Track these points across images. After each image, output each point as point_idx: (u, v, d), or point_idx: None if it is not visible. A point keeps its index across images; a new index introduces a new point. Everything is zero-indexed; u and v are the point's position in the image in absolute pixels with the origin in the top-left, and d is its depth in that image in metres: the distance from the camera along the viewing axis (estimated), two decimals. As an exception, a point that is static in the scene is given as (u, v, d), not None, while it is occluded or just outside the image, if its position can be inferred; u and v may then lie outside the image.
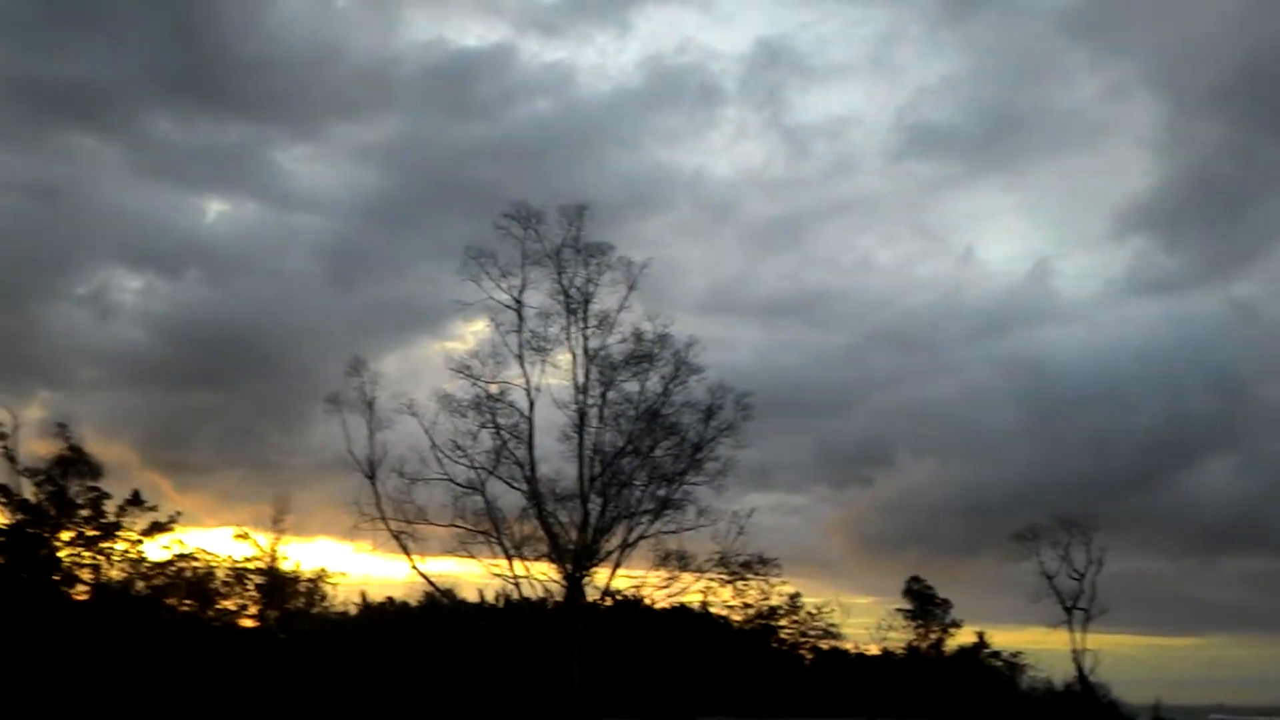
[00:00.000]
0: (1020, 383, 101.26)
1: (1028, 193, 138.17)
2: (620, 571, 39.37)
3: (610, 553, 38.54)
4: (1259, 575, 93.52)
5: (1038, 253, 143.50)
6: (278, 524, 51.44)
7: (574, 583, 37.84)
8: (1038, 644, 67.49)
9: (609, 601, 43.72)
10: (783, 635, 66.14)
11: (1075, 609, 59.75)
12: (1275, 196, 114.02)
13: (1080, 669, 60.43)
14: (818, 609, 65.61)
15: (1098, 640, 60.86)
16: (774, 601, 63.76)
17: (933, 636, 66.84)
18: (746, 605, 63.08)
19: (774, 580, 59.84)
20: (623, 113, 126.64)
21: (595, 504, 38.15)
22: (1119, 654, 68.41)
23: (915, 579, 67.65)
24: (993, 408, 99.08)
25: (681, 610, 57.62)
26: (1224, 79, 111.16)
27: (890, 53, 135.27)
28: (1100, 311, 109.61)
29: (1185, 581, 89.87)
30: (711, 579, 47.26)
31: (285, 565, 52.69)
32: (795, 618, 65.77)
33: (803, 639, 66.54)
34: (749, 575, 56.66)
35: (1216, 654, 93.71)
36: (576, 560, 37.77)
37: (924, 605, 67.02)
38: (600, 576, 38.94)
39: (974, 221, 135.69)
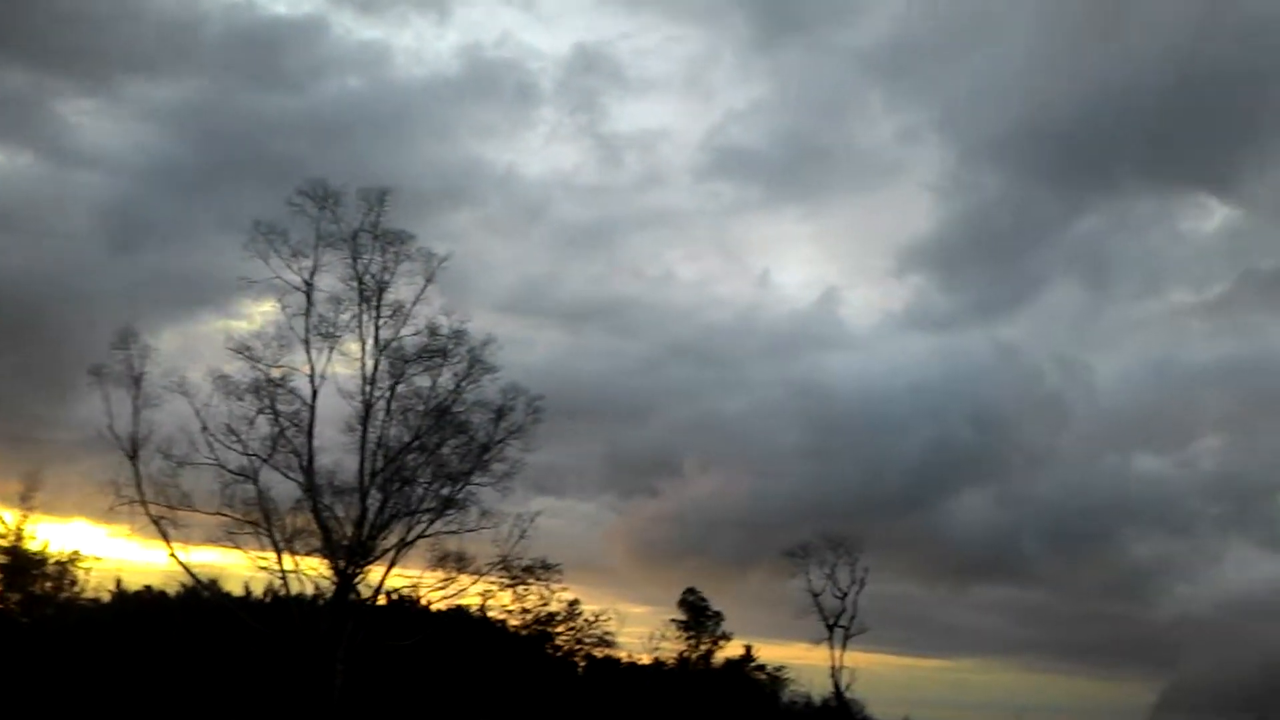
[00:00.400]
0: (805, 404, 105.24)
1: (822, 223, 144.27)
2: (396, 570, 38.75)
3: (387, 550, 37.80)
4: (1006, 603, 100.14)
5: (828, 281, 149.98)
6: (26, 501, 48.07)
7: (345, 580, 36.83)
8: (800, 659, 69.90)
9: (383, 600, 42.85)
10: (559, 642, 66.25)
11: (837, 626, 62.25)
12: (1042, 247, 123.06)
13: (837, 685, 63.01)
14: (595, 617, 66.09)
15: (856, 658, 63.62)
16: (553, 608, 63.88)
17: (703, 648, 68.31)
18: (525, 610, 62.95)
19: (555, 586, 60.40)
20: (437, 100, 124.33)
21: (375, 499, 37.32)
22: (874, 672, 71.59)
23: (691, 590, 69.04)
24: (778, 427, 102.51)
25: (459, 612, 57.03)
26: (1005, 132, 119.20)
27: (704, 73, 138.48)
28: (880, 342, 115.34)
29: (939, 606, 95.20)
30: (492, 582, 47.23)
31: (32, 545, 49.27)
32: (572, 625, 65.99)
33: (578, 646, 66.83)
34: (530, 580, 56.94)
35: (963, 677, 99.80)
36: (350, 556, 36.78)
37: (697, 617, 68.43)
38: (374, 574, 38.18)
39: (772, 245, 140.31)
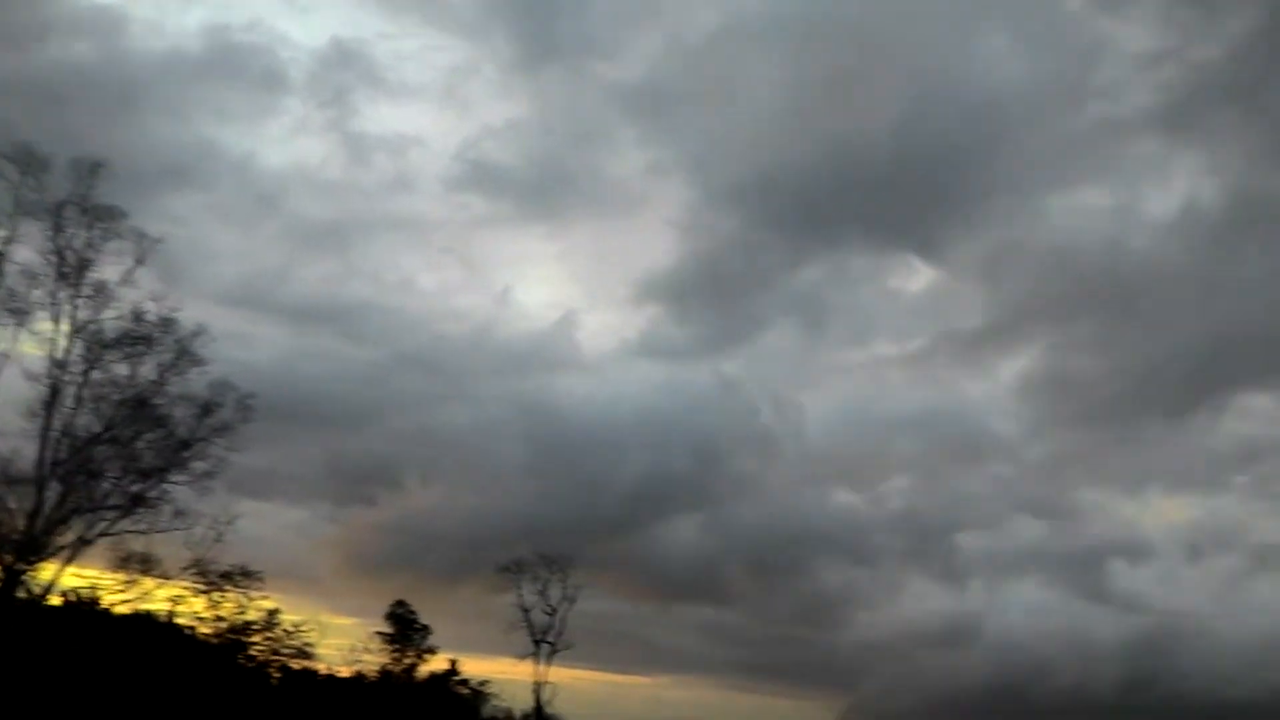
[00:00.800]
0: (532, 423, 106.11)
1: (567, 245, 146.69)
2: (72, 569, 36.20)
3: (63, 547, 35.17)
4: (705, 624, 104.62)
5: (567, 304, 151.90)
6: None
7: (12, 576, 33.99)
8: (505, 674, 70.23)
9: (56, 601, 39.81)
10: (253, 652, 63.40)
11: (544, 642, 63.18)
12: (767, 290, 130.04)
13: (538, 700, 63.82)
14: (295, 627, 63.73)
15: (560, 674, 64.83)
16: (250, 616, 61.11)
17: (407, 661, 67.40)
18: (220, 618, 59.90)
19: (254, 594, 57.81)
20: (173, 77, 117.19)
21: (54, 492, 34.74)
22: (576, 688, 73.17)
23: (400, 603, 68.06)
24: (504, 443, 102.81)
25: (144, 617, 53.61)
26: (743, 179, 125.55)
27: (462, 85, 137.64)
28: (613, 368, 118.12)
29: (642, 624, 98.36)
30: (184, 587, 44.74)
31: None
32: (270, 634, 63.35)
33: (274, 657, 64.20)
34: (227, 586, 54.30)
35: (660, 693, 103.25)
36: (19, 551, 33.97)
37: (404, 629, 67.46)
38: (47, 573, 35.43)
39: (516, 263, 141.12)
